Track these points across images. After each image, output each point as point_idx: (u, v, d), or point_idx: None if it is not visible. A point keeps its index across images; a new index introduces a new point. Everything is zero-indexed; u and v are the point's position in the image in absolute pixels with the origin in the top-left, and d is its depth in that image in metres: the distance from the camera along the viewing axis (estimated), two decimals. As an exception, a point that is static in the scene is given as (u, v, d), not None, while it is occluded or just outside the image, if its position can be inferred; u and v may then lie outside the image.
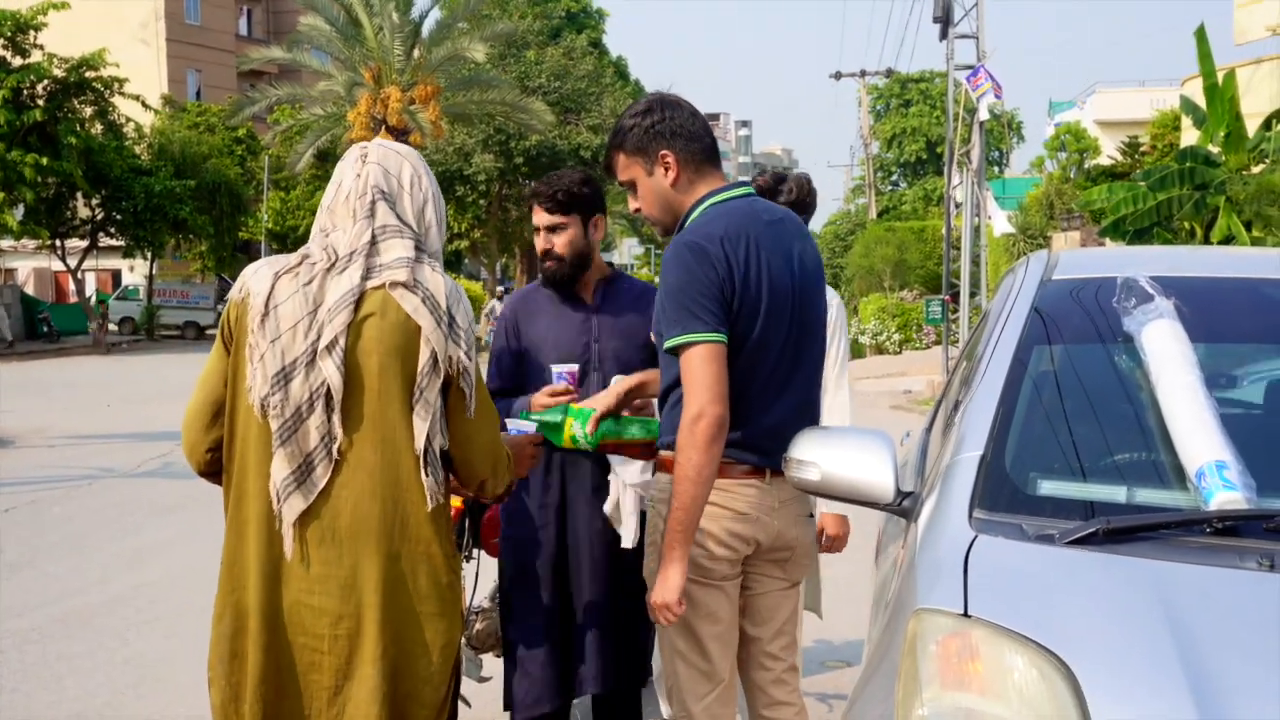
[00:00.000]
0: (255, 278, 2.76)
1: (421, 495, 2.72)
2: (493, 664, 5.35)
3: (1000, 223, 22.35)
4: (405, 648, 2.73)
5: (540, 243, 4.01)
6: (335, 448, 2.68)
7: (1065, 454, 2.72)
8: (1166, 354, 2.69)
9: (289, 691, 2.73)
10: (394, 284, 2.71)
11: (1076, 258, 3.54)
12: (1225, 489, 2.38)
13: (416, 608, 2.73)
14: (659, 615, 3.12)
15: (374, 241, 2.76)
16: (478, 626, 4.83)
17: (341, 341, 2.67)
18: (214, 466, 2.85)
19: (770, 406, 3.23)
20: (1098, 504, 2.53)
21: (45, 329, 38.61)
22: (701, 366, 3.04)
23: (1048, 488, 2.60)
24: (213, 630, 2.80)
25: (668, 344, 3.12)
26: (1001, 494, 2.53)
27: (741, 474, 3.23)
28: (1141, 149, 34.79)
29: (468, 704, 3.67)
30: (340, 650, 2.69)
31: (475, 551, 4.79)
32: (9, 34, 31.45)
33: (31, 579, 7.98)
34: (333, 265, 2.73)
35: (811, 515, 3.44)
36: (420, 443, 2.72)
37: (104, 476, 12.21)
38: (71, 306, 41.73)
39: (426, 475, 2.73)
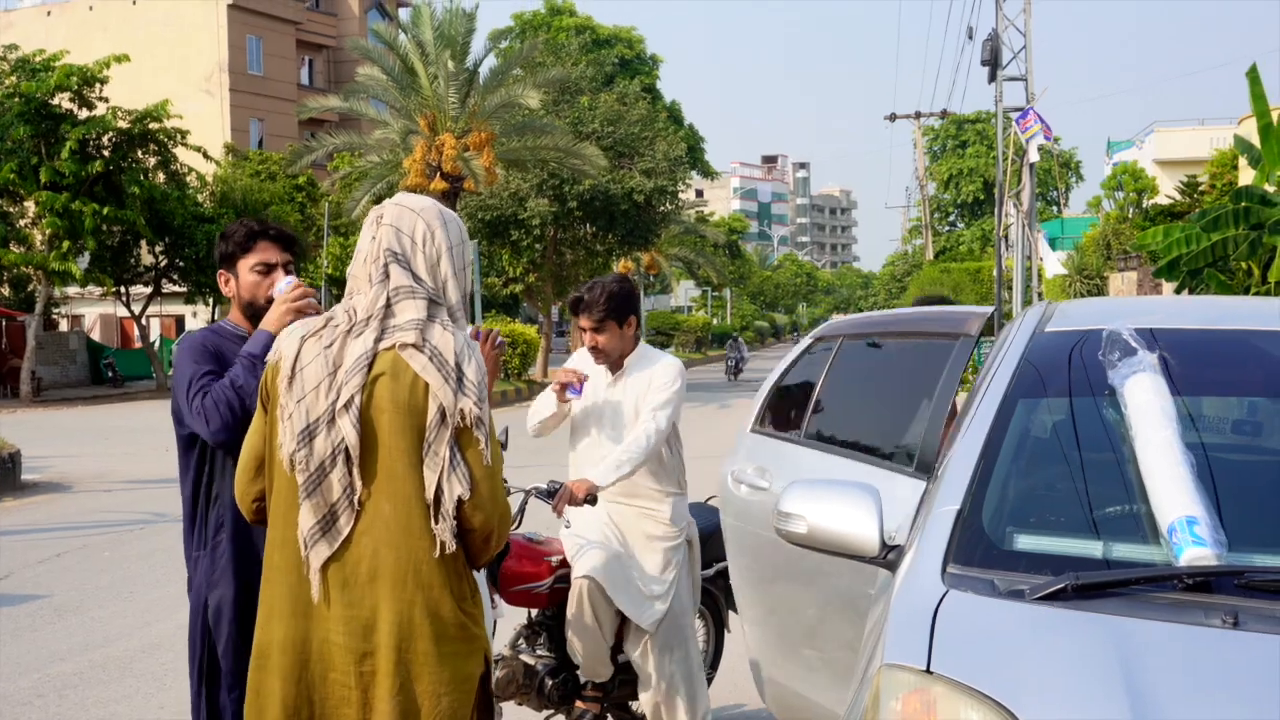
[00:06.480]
0: (287, 341, 2.94)
1: (431, 543, 2.84)
2: (512, 712, 5.39)
3: (1052, 264, 22.21)
4: (423, 686, 2.83)
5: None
6: (356, 499, 2.83)
7: (1042, 508, 2.73)
8: (1145, 408, 2.69)
9: None
10: (403, 345, 2.86)
11: (1072, 309, 3.53)
12: (1195, 545, 2.39)
13: (430, 648, 2.84)
14: None
15: (389, 304, 2.91)
16: (498, 674, 4.87)
17: (357, 401, 2.83)
18: (263, 515, 3.03)
19: None
20: (1071, 559, 2.53)
21: (110, 374, 39.21)
22: None
23: (1023, 542, 2.61)
24: None
25: None
26: (976, 549, 2.54)
27: None
28: (1200, 188, 34.32)
29: None
30: (365, 686, 2.83)
31: (496, 599, 4.85)
32: (75, 87, 32.15)
33: (77, 624, 8.12)
34: (351, 328, 2.90)
35: None
36: (430, 493, 2.84)
37: (155, 521, 12.37)
38: (136, 352, 42.43)
39: (437, 524, 2.84)
